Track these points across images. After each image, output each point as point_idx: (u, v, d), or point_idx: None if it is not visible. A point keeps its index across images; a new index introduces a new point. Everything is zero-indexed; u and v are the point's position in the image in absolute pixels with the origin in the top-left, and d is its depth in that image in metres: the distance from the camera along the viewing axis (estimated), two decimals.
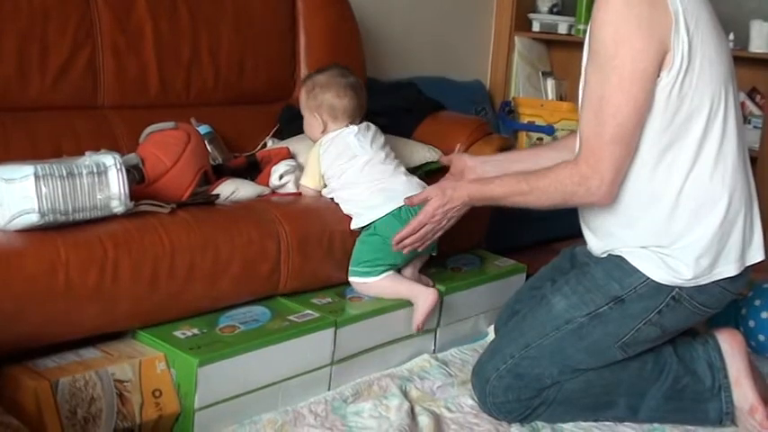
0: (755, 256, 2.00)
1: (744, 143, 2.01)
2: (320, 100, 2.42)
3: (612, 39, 1.84)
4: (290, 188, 2.42)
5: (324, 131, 2.43)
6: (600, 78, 1.87)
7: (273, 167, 2.44)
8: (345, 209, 2.33)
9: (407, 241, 2.18)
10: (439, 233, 2.18)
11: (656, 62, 1.83)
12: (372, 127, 2.45)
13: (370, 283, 2.29)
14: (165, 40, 2.58)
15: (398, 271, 2.34)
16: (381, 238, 2.25)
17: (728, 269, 1.95)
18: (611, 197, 1.94)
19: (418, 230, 2.16)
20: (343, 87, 2.42)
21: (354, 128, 2.40)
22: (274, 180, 2.42)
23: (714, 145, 1.91)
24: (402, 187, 2.29)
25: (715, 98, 1.90)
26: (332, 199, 2.38)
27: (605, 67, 1.86)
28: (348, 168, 2.34)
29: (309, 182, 2.40)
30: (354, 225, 2.29)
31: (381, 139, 2.44)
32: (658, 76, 1.85)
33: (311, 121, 2.45)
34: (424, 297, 2.27)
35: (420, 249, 2.22)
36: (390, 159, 2.39)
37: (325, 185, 2.39)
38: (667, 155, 1.91)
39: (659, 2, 1.83)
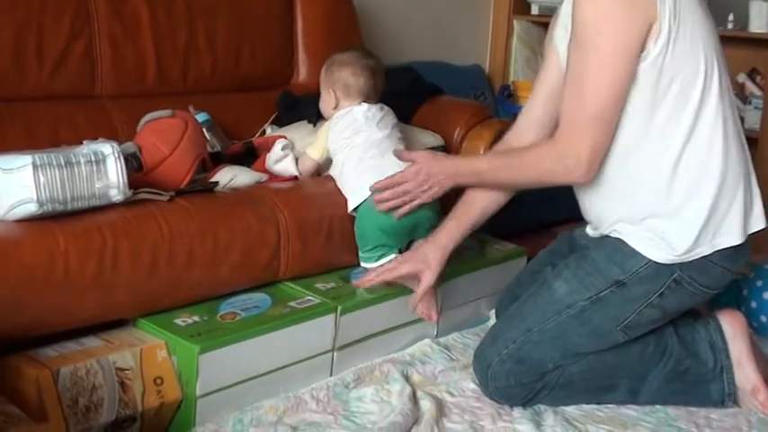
0: (757, 223, 1.99)
1: (735, 112, 2.00)
2: (336, 77, 2.44)
3: (593, 18, 1.84)
4: (289, 164, 2.40)
5: (336, 108, 2.44)
6: (581, 57, 1.87)
7: (276, 141, 2.45)
8: (343, 191, 2.33)
9: (387, 194, 2.16)
10: (417, 201, 2.16)
11: (640, 38, 1.83)
12: (386, 109, 2.45)
13: (374, 268, 2.27)
14: (161, 29, 2.58)
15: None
16: (367, 223, 2.24)
17: (730, 238, 1.94)
18: (588, 177, 1.94)
19: (400, 185, 2.15)
20: (360, 67, 2.44)
21: (366, 105, 2.41)
22: (276, 151, 2.41)
23: (710, 114, 1.91)
24: (391, 170, 2.24)
25: (708, 66, 1.90)
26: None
27: (587, 45, 1.86)
28: (347, 145, 2.34)
29: (314, 153, 2.41)
30: (349, 208, 2.29)
31: (391, 121, 2.43)
32: (644, 49, 1.84)
33: (326, 97, 2.47)
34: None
35: (404, 211, 2.18)
36: (391, 141, 2.37)
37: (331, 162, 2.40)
38: (665, 127, 1.91)
39: None
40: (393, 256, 2.25)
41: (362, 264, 2.28)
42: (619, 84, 1.86)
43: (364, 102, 2.42)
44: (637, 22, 1.82)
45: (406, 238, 2.29)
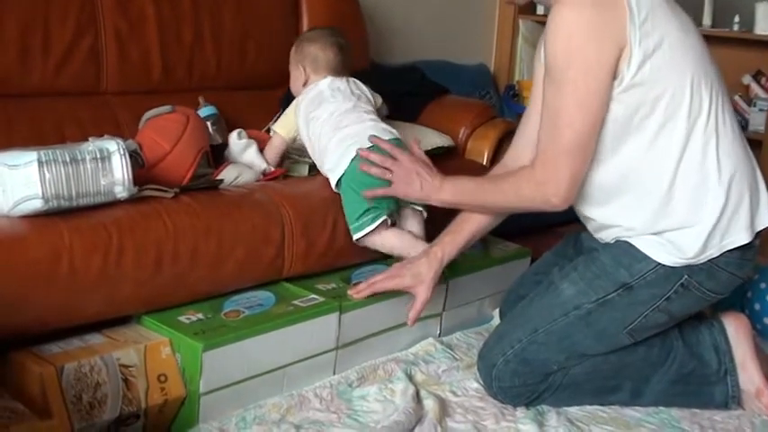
0: (764, 220, 1.99)
1: (731, 112, 1.99)
2: (305, 52, 2.48)
3: (564, 51, 1.84)
4: (254, 155, 2.42)
5: (305, 84, 2.47)
6: (555, 89, 1.88)
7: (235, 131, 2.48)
8: (323, 170, 2.34)
9: (375, 158, 2.16)
10: (392, 190, 2.16)
11: (611, 65, 1.84)
12: (354, 81, 2.46)
13: (370, 235, 2.24)
14: (167, 25, 2.58)
15: (393, 223, 2.28)
16: (352, 189, 2.22)
17: (739, 237, 1.93)
18: (566, 205, 1.96)
19: (391, 161, 2.15)
20: (329, 43, 2.48)
21: (330, 78, 2.43)
22: (234, 141, 2.43)
23: (702, 122, 1.90)
24: (366, 132, 2.25)
25: (695, 75, 1.89)
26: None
27: (559, 79, 1.87)
28: (316, 118, 2.34)
29: (281, 129, 2.43)
30: (332, 185, 2.28)
31: (362, 93, 2.44)
32: (617, 75, 1.84)
33: (295, 74, 2.51)
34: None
35: (378, 193, 2.17)
36: (360, 108, 2.36)
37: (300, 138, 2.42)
38: (658, 142, 1.91)
39: None
40: (384, 218, 2.22)
41: (357, 235, 2.24)
42: (592, 115, 1.87)
43: (332, 76, 2.44)
44: (607, 51, 1.83)
45: (394, 201, 2.25)
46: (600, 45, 1.83)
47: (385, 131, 2.29)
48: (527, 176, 1.97)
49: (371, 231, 2.22)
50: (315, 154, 2.36)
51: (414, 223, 2.32)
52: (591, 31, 1.84)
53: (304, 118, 2.37)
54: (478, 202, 2.12)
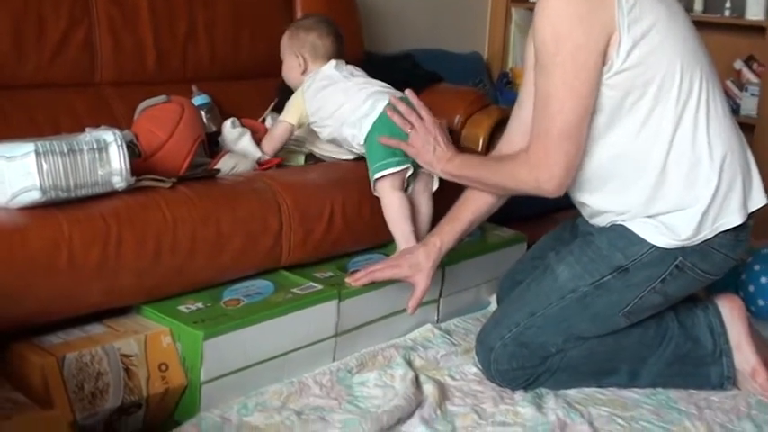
0: (757, 201, 2.01)
1: (722, 95, 2.01)
2: (303, 40, 2.49)
3: (553, 37, 1.86)
4: (247, 143, 2.42)
5: (304, 72, 2.48)
6: (545, 75, 1.90)
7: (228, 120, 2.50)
8: (344, 142, 2.37)
9: (403, 108, 2.23)
10: (411, 148, 2.21)
11: (600, 51, 1.85)
12: (355, 67, 2.50)
13: (385, 182, 2.25)
14: (160, 16, 2.59)
15: (403, 188, 2.30)
16: (383, 134, 2.26)
17: (732, 219, 1.95)
18: (560, 191, 1.98)
19: (416, 116, 2.21)
20: (326, 32, 2.51)
21: (334, 62, 2.47)
22: (228, 129, 2.45)
23: (693, 106, 1.92)
24: (386, 88, 2.36)
25: (684, 60, 1.91)
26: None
27: (549, 65, 1.88)
28: (332, 94, 2.38)
29: (290, 117, 2.44)
30: (360, 140, 2.31)
31: (363, 73, 2.48)
32: (607, 61, 1.86)
33: (292, 63, 2.52)
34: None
35: (396, 144, 2.22)
36: (372, 81, 2.42)
37: (311, 123, 2.44)
38: (649, 127, 1.92)
39: None
40: (408, 165, 2.25)
41: (378, 174, 2.24)
42: (583, 99, 1.88)
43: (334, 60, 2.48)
44: (595, 37, 1.84)
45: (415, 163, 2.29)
46: (588, 30, 1.84)
47: (398, 93, 2.35)
48: (522, 161, 1.99)
49: (390, 175, 2.24)
50: (340, 116, 2.36)
51: (425, 194, 2.34)
52: (578, 17, 1.85)
53: (316, 102, 2.39)
54: (479, 178, 2.14)
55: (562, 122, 1.89)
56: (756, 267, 2.50)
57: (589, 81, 1.87)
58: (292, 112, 2.44)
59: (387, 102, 2.28)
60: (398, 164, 2.23)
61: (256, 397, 1.96)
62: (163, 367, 1.87)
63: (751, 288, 2.50)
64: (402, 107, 2.24)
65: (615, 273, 1.99)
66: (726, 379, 2.11)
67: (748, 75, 3.85)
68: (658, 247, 1.96)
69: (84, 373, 1.74)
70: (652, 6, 1.89)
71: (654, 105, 1.90)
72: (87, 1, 2.42)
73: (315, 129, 2.45)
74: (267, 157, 2.44)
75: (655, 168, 1.94)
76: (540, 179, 1.96)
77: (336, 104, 2.36)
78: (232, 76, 2.79)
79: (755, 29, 3.66)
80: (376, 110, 2.28)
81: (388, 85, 2.41)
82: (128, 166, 1.90)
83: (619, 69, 1.87)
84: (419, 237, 2.28)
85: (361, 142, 2.31)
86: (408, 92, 2.28)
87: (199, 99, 2.56)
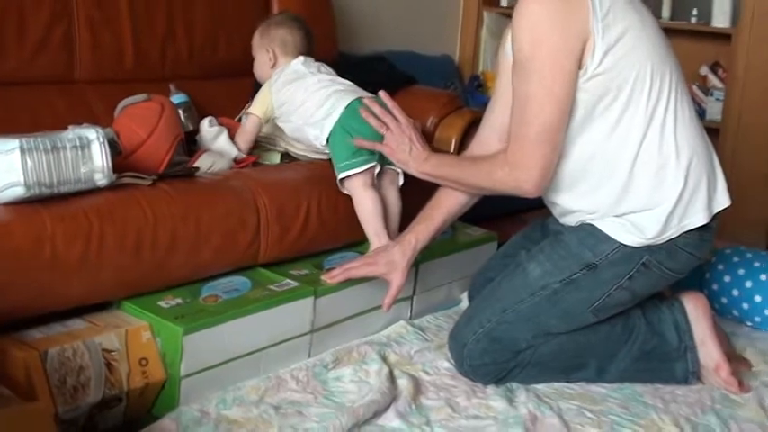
0: (722, 202, 2.08)
1: (689, 99, 2.08)
2: (273, 35, 2.56)
3: (530, 42, 1.92)
4: (224, 142, 2.46)
5: (273, 66, 2.53)
6: (522, 80, 1.95)
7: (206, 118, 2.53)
8: (305, 138, 2.42)
9: (377, 110, 2.26)
10: (387, 147, 2.24)
11: (575, 57, 1.91)
12: (324, 64, 2.55)
13: (352, 181, 2.29)
14: (139, 14, 2.62)
15: (374, 185, 2.33)
16: (346, 133, 2.29)
17: (697, 219, 2.02)
18: (538, 192, 2.03)
19: (390, 118, 2.25)
20: (296, 27, 2.57)
21: (302, 57, 2.52)
22: (205, 128, 2.48)
23: (663, 108, 1.98)
24: (350, 87, 2.40)
25: (655, 65, 1.97)
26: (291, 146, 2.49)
27: (526, 69, 1.94)
28: (296, 90, 2.42)
29: (257, 110, 2.49)
30: (323, 141, 2.35)
31: (330, 70, 2.53)
32: (582, 66, 1.92)
33: (263, 58, 2.57)
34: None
35: (369, 145, 2.26)
36: (337, 80, 2.46)
37: (276, 118, 2.49)
38: (620, 129, 1.98)
39: None
40: (374, 164, 2.30)
41: (343, 174, 2.28)
42: (560, 104, 1.94)
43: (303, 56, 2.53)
44: (572, 41, 1.91)
45: (383, 159, 2.32)
46: (564, 35, 1.90)
47: (364, 92, 2.39)
48: (501, 162, 2.04)
49: (357, 175, 2.28)
50: (303, 114, 2.40)
51: (392, 188, 2.39)
52: (555, 22, 1.91)
53: (281, 96, 2.44)
54: (455, 178, 2.18)
55: (540, 125, 1.95)
56: (720, 267, 2.57)
57: (566, 84, 1.92)
58: (259, 105, 2.49)
59: (348, 102, 2.32)
60: (364, 163, 2.28)
61: (234, 391, 2.00)
62: (143, 362, 1.90)
63: (714, 287, 2.56)
64: (377, 109, 2.28)
65: (584, 270, 2.05)
66: (690, 374, 2.17)
67: (714, 80, 3.94)
68: (626, 246, 2.02)
69: (66, 367, 1.77)
70: (625, 13, 1.95)
71: (625, 108, 1.96)
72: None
73: (279, 123, 2.50)
74: (243, 156, 2.47)
75: (624, 170, 2.00)
76: (519, 180, 2.00)
77: (300, 101, 2.41)
78: (209, 75, 2.82)
79: (721, 36, 3.75)
80: (336, 110, 2.32)
81: (353, 84, 2.45)
82: (110, 164, 1.93)
83: (593, 74, 1.92)
84: (390, 232, 2.33)
85: (324, 143, 2.35)
86: (382, 93, 2.32)
87: (177, 98, 2.59)
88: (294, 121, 2.43)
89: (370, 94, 2.37)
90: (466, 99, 3.90)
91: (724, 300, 2.56)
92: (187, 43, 2.74)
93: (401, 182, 2.39)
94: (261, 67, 2.59)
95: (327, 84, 2.42)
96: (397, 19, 3.84)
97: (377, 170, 2.32)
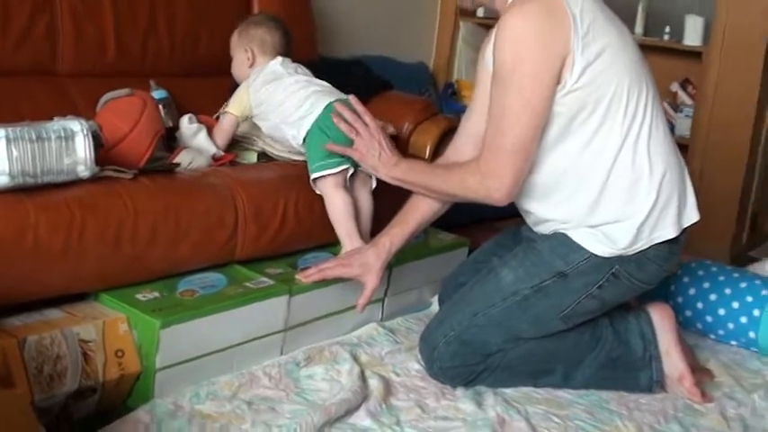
0: (691, 217, 2.13)
1: (663, 115, 2.13)
2: (252, 35, 2.58)
3: (512, 56, 1.96)
4: (203, 139, 2.48)
5: (252, 66, 2.56)
6: (502, 91, 1.99)
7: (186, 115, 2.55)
8: (283, 139, 2.45)
9: (348, 115, 2.29)
10: (357, 152, 2.27)
11: (555, 72, 1.96)
12: (301, 65, 2.57)
13: (325, 182, 2.32)
14: (122, 9, 2.63)
15: (348, 188, 2.36)
16: (323, 133, 2.32)
17: (667, 232, 2.07)
18: (508, 199, 2.07)
19: (361, 123, 2.27)
20: (275, 27, 2.59)
21: (280, 58, 2.55)
22: (185, 125, 2.50)
23: (637, 125, 2.03)
24: (328, 88, 2.43)
25: (631, 82, 2.02)
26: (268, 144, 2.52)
27: (507, 81, 1.98)
28: (275, 90, 2.45)
29: (234, 109, 2.51)
30: (299, 140, 2.37)
31: (307, 71, 2.56)
32: (561, 81, 1.97)
33: (240, 57, 2.59)
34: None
35: (340, 150, 2.28)
36: (314, 81, 2.49)
37: (254, 116, 2.51)
38: (595, 143, 2.03)
39: (557, 9, 1.95)
40: (348, 166, 2.32)
41: (316, 174, 2.31)
42: (537, 117, 1.98)
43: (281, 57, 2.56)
44: (552, 58, 1.95)
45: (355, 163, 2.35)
46: (545, 51, 1.95)
47: (340, 93, 2.42)
48: (473, 169, 2.08)
49: (330, 176, 2.30)
50: (281, 113, 2.42)
51: (364, 190, 2.42)
52: (537, 37, 1.95)
53: (259, 96, 2.46)
54: (426, 184, 2.22)
55: (515, 137, 1.99)
56: (685, 280, 2.62)
57: (544, 98, 1.97)
58: (236, 104, 2.51)
59: (326, 102, 2.35)
60: (337, 164, 2.31)
61: (208, 386, 2.02)
62: (119, 353, 1.91)
63: (680, 299, 2.62)
64: (347, 113, 2.30)
65: (555, 278, 2.10)
66: (655, 383, 2.22)
67: (683, 97, 4.03)
68: (597, 256, 2.07)
69: (43, 355, 1.78)
70: (604, 30, 2.00)
71: (602, 123, 2.01)
72: None
73: (256, 122, 2.52)
74: (222, 153, 2.49)
75: (598, 182, 2.05)
76: (490, 188, 2.05)
77: (278, 101, 2.43)
78: (190, 72, 2.84)
79: (693, 54, 3.83)
80: (315, 111, 2.35)
81: (329, 85, 2.48)
82: (93, 156, 1.95)
83: (571, 89, 1.97)
84: (361, 233, 2.36)
85: (301, 142, 2.38)
86: (352, 98, 2.35)
87: (157, 93, 2.60)
88: (272, 120, 2.45)
89: (347, 96, 2.40)
90: (440, 106, 3.94)
91: (688, 312, 2.61)
92: (168, 40, 2.76)
93: (374, 185, 2.42)
94: (239, 66, 2.61)
95: (305, 84, 2.45)
96: (375, 24, 3.88)
97: (350, 172, 2.35)
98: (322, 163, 2.31)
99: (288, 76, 2.48)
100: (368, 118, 2.30)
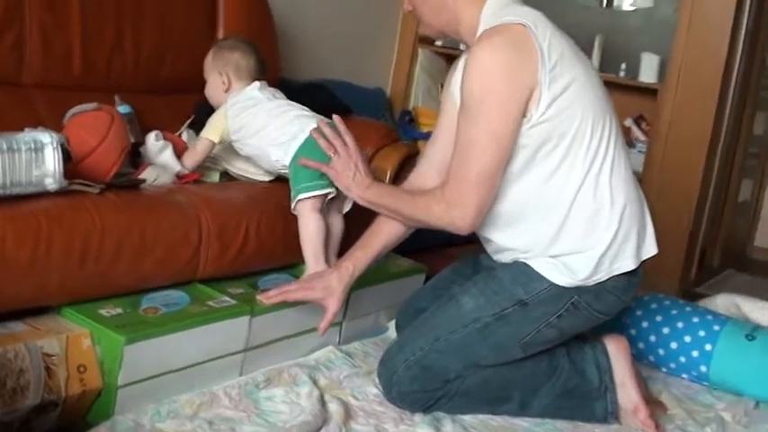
0: (650, 250, 2.19)
1: (624, 149, 2.19)
2: (227, 59, 2.57)
3: (480, 88, 2.01)
4: (169, 157, 2.48)
5: (227, 90, 2.56)
6: (469, 122, 2.04)
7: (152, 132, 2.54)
8: (264, 161, 2.46)
9: (329, 132, 2.31)
10: (333, 171, 2.29)
11: (521, 105, 2.01)
12: (277, 90, 2.60)
13: (306, 204, 2.33)
14: (90, 24, 2.62)
15: (322, 210, 2.37)
16: (310, 156, 2.34)
17: (625, 264, 2.12)
18: (471, 230, 2.12)
19: (340, 144, 2.29)
20: (249, 51, 2.60)
21: (258, 83, 2.56)
22: (151, 142, 2.49)
23: (601, 157, 2.09)
24: (309, 112, 2.46)
25: (596, 117, 2.08)
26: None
27: (474, 113, 2.02)
28: (256, 114, 2.46)
29: (212, 135, 2.51)
30: (285, 162, 2.38)
31: (283, 96, 2.58)
32: (527, 114, 2.01)
33: (216, 81, 2.58)
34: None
35: (320, 168, 2.31)
36: (295, 105, 2.52)
37: (233, 141, 2.51)
38: (559, 171, 2.08)
39: (525, 42, 2.00)
40: (332, 190, 2.34)
41: (303, 195, 2.32)
42: (502, 148, 2.03)
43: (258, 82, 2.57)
44: (519, 91, 2.00)
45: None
46: (512, 84, 2.00)
47: (323, 119, 2.43)
48: (438, 198, 2.12)
49: (313, 198, 2.32)
50: (265, 137, 2.43)
51: (337, 215, 2.44)
52: (505, 70, 2.00)
53: (239, 122, 2.47)
54: (395, 208, 2.24)
55: (481, 167, 2.03)
56: (638, 312, 2.68)
57: (510, 131, 2.01)
58: (214, 130, 2.51)
59: (313, 125, 2.38)
60: (322, 187, 2.33)
61: (169, 404, 2.01)
62: (81, 369, 1.89)
63: (633, 332, 2.67)
64: (328, 131, 2.33)
65: (516, 306, 2.13)
66: (609, 414, 2.26)
67: (637, 132, 4.13)
68: (557, 285, 2.11)
69: (6, 368, 1.76)
70: (571, 65, 2.05)
71: (565, 156, 2.06)
72: (21, 3, 2.44)
73: (236, 146, 2.52)
74: (186, 171, 2.49)
75: (560, 213, 2.09)
76: (454, 217, 2.08)
77: (260, 125, 2.44)
78: (154, 89, 2.83)
79: (648, 90, 3.92)
80: (304, 133, 2.37)
81: (309, 110, 2.51)
82: (61, 169, 1.94)
83: (536, 122, 2.02)
84: (328, 256, 2.38)
85: (286, 164, 2.39)
86: (336, 117, 2.37)
87: (121, 108, 2.59)
88: (252, 144, 2.46)
89: (328, 120, 2.42)
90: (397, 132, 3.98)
91: (641, 345, 2.66)
92: (134, 57, 2.75)
93: (347, 208, 2.44)
94: (214, 90, 2.59)
95: (287, 108, 2.47)
96: (335, 49, 3.91)
97: (330, 196, 2.37)
98: (307, 185, 2.33)
99: (267, 101, 2.49)
100: (348, 138, 2.32)
